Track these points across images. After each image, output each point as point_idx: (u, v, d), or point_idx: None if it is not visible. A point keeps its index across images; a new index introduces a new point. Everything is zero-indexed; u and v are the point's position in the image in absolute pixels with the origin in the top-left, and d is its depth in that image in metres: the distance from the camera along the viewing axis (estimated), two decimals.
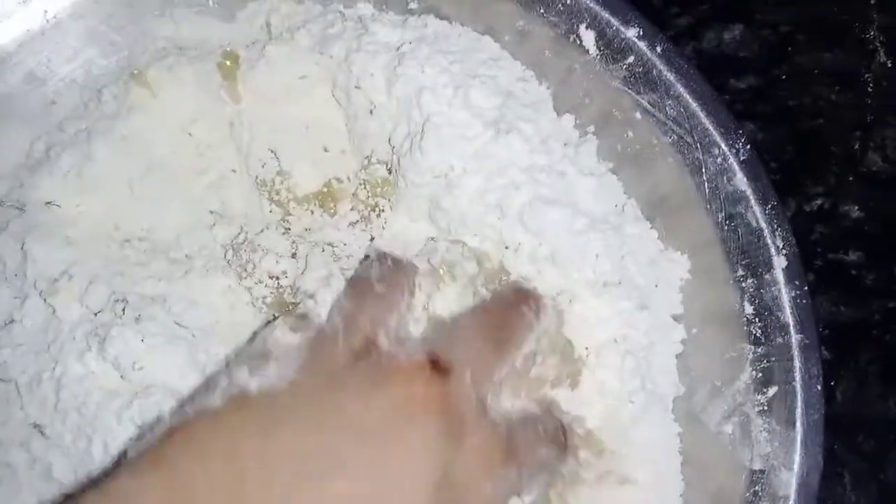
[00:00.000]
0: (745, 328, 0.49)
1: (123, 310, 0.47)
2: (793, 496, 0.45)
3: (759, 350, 0.48)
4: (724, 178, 0.49)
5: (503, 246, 0.49)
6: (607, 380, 0.47)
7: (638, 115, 0.51)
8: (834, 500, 0.58)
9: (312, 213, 0.52)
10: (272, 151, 0.52)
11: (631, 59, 0.50)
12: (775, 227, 0.48)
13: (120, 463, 0.40)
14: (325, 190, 0.52)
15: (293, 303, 0.49)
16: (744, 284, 0.49)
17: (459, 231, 0.49)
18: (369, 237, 0.52)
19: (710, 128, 0.50)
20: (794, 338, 0.47)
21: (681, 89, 0.50)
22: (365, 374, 0.38)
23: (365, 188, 0.52)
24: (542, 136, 0.50)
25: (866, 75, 0.67)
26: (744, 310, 0.49)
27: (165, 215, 0.50)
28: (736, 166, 0.49)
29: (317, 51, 0.51)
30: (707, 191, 0.50)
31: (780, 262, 0.48)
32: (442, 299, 0.47)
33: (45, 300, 0.47)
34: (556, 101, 0.53)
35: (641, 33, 0.50)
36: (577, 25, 0.51)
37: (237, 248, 0.50)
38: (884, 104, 0.67)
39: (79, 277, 0.48)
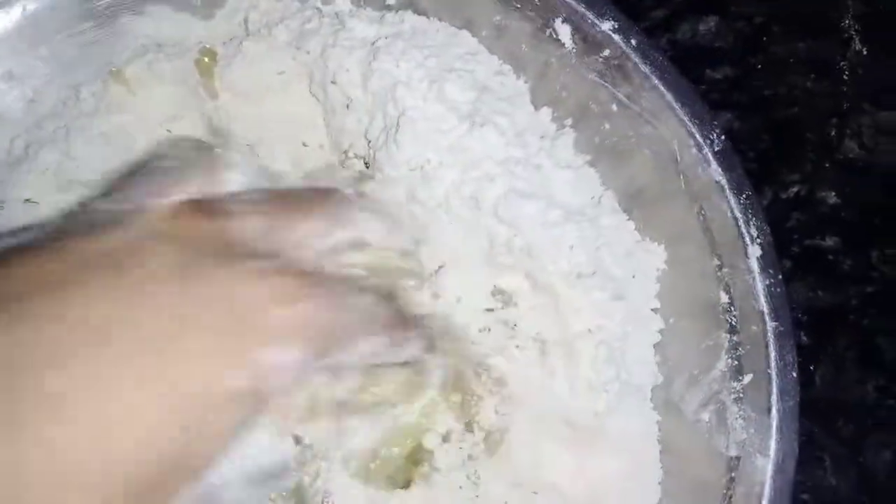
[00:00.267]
0: (721, 317, 0.49)
1: None
2: (768, 482, 0.46)
3: (735, 338, 0.49)
4: (699, 168, 0.50)
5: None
6: (581, 370, 0.48)
7: (614, 108, 0.52)
8: (814, 484, 0.59)
9: None
10: (250, 147, 0.52)
11: (607, 52, 0.51)
12: (750, 216, 0.49)
13: None
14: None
15: None
16: (719, 274, 0.49)
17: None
18: None
19: (685, 119, 0.50)
20: (769, 325, 0.48)
21: (656, 81, 0.50)
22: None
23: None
24: (518, 129, 0.50)
25: (842, 63, 0.68)
26: (720, 299, 0.49)
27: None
28: (711, 157, 0.49)
29: (294, 46, 0.51)
30: (683, 182, 0.50)
31: (754, 252, 0.48)
32: None
33: None
34: (534, 94, 0.54)
35: (616, 26, 0.50)
36: (553, 19, 0.51)
37: None
38: (860, 92, 0.67)
39: None
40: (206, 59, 0.52)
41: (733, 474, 0.47)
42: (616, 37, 0.50)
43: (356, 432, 0.43)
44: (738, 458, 0.47)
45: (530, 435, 0.50)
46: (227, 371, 0.30)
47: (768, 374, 0.47)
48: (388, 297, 0.38)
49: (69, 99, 0.52)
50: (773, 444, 0.46)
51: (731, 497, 0.47)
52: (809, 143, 0.66)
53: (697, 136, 0.50)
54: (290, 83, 0.52)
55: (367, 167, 0.52)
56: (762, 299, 0.48)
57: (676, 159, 0.50)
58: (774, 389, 0.47)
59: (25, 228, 0.36)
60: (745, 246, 0.48)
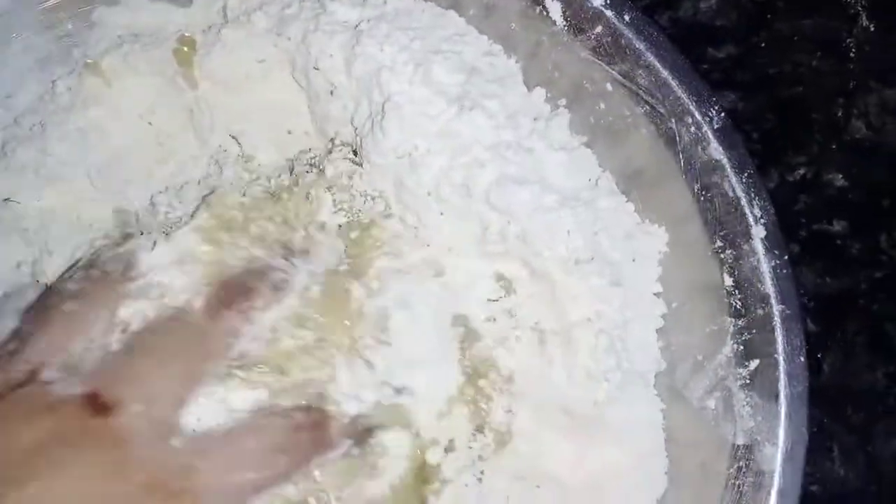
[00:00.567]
0: (726, 300, 0.48)
1: None
2: (777, 471, 0.44)
3: (740, 322, 0.47)
4: (699, 147, 0.48)
5: None
6: (581, 359, 0.46)
7: (609, 87, 0.50)
8: (822, 475, 0.57)
9: None
10: (233, 137, 0.51)
11: (599, 28, 0.49)
12: (753, 196, 0.47)
13: None
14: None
15: None
16: (723, 256, 0.48)
17: None
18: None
19: (683, 96, 0.48)
20: (776, 308, 0.46)
21: (651, 58, 0.49)
22: (14, 407, 0.35)
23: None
24: (510, 111, 0.48)
25: (848, 40, 0.66)
26: (724, 282, 0.47)
27: (127, 204, 0.49)
28: (710, 135, 0.48)
29: (274, 32, 0.49)
30: (682, 161, 0.49)
31: (758, 232, 0.47)
32: None
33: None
34: (526, 74, 0.52)
35: (608, 2, 0.49)
36: None
37: None
38: (867, 69, 0.65)
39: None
40: (185, 49, 0.50)
41: (741, 463, 0.46)
42: (608, 12, 0.49)
43: None
44: (746, 446, 0.46)
45: (531, 426, 0.48)
46: None
47: (775, 359, 0.46)
48: (300, 425, 0.41)
49: (45, 94, 0.51)
50: (781, 432, 0.45)
51: (739, 486, 0.45)
52: (816, 124, 0.64)
53: (696, 113, 0.48)
54: (272, 70, 0.50)
55: (356, 154, 0.50)
56: (768, 281, 0.46)
57: (675, 138, 0.49)
58: (782, 375, 0.45)
59: None
60: (748, 226, 0.47)
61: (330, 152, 0.50)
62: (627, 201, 0.51)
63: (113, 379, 0.37)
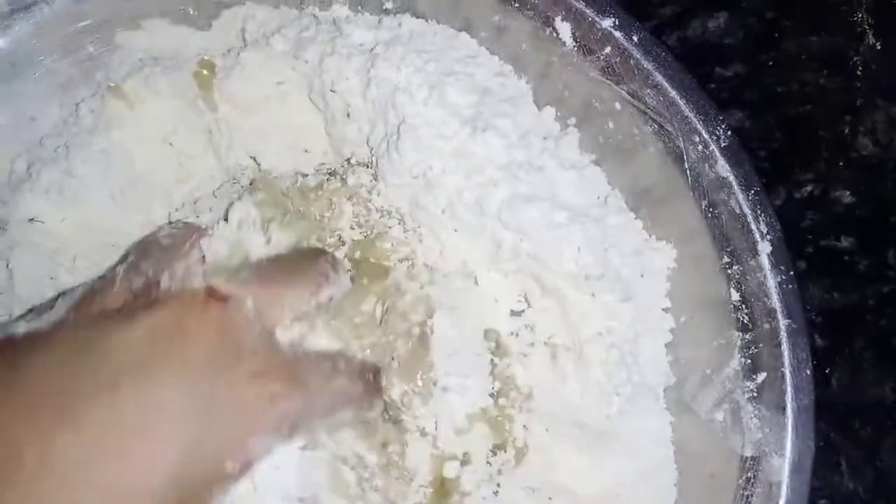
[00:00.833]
0: (733, 315, 0.49)
1: None
2: (785, 482, 0.45)
3: (747, 336, 0.48)
4: (707, 165, 0.49)
5: None
6: (592, 373, 0.47)
7: (618, 106, 0.51)
8: (831, 489, 0.58)
9: None
10: (252, 157, 0.52)
11: (608, 49, 0.50)
12: (759, 212, 0.48)
13: None
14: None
15: None
16: (730, 271, 0.49)
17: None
18: None
19: (690, 115, 0.49)
20: (782, 323, 0.47)
21: (659, 78, 0.50)
22: (136, 307, 0.37)
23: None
24: (521, 131, 0.50)
25: (855, 58, 0.67)
26: (731, 297, 0.48)
27: (149, 225, 0.50)
28: (717, 153, 0.49)
29: (292, 56, 0.51)
30: (690, 179, 0.50)
31: (764, 248, 0.47)
32: None
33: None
34: (536, 94, 0.53)
35: (617, 23, 0.50)
36: (553, 18, 0.50)
37: None
38: (873, 87, 0.66)
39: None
40: (205, 72, 0.52)
41: (749, 474, 0.46)
42: (617, 33, 0.50)
43: None
44: (753, 457, 0.47)
45: (545, 440, 0.49)
46: (224, 458, 0.36)
47: (782, 372, 0.46)
48: (364, 370, 0.44)
49: (69, 117, 0.52)
50: (788, 444, 0.46)
51: (747, 497, 0.46)
52: (823, 141, 0.65)
53: (703, 132, 0.49)
54: (290, 93, 0.52)
55: (373, 175, 0.51)
56: (774, 296, 0.47)
57: (683, 156, 0.50)
58: (789, 387, 0.46)
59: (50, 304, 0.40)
60: (754, 242, 0.48)
61: (346, 171, 0.51)
62: (636, 218, 0.52)
63: (227, 282, 0.40)
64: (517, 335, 0.50)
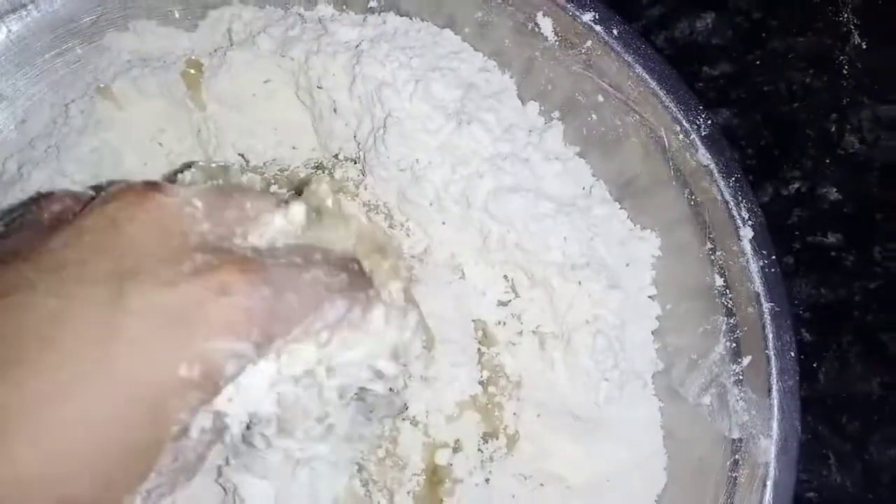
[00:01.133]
0: (718, 300, 0.49)
1: None
2: (773, 462, 0.46)
3: (732, 321, 0.49)
4: (688, 154, 0.50)
5: None
6: (581, 360, 0.48)
7: (601, 98, 0.52)
8: (819, 482, 0.58)
9: None
10: (241, 155, 0.52)
11: (589, 43, 0.51)
12: (740, 199, 0.49)
13: None
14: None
15: None
16: (713, 257, 0.49)
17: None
18: None
19: (671, 105, 0.50)
20: (765, 307, 0.48)
21: (639, 70, 0.51)
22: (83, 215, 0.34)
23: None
24: (506, 124, 0.50)
25: (841, 58, 0.68)
26: (715, 282, 0.49)
27: None
28: (698, 142, 0.50)
29: (278, 54, 0.51)
30: (672, 168, 0.50)
31: (746, 233, 0.48)
32: None
33: None
34: (520, 89, 0.54)
35: (597, 17, 0.51)
36: (535, 13, 0.51)
37: None
38: (859, 85, 0.67)
39: None
40: (193, 71, 0.52)
41: (737, 456, 0.47)
42: (598, 27, 0.51)
43: None
44: (740, 440, 0.47)
45: (536, 428, 0.50)
46: (177, 362, 0.31)
47: (767, 354, 0.47)
48: (345, 259, 0.38)
49: (59, 117, 0.53)
50: (774, 425, 0.46)
51: (735, 479, 0.47)
52: (810, 139, 0.66)
53: (683, 121, 0.50)
54: (277, 91, 0.52)
55: (361, 170, 0.52)
56: (757, 281, 0.48)
57: (665, 146, 0.51)
58: (774, 370, 0.47)
59: None
60: (736, 228, 0.48)
61: (334, 166, 0.52)
62: (620, 208, 0.53)
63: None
64: (504, 324, 0.51)
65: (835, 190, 0.65)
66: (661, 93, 0.50)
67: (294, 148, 0.53)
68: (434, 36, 0.53)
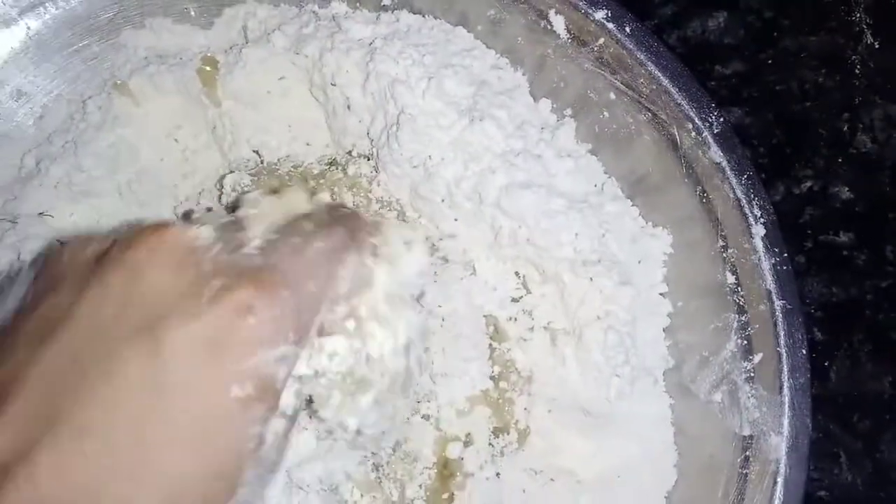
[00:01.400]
0: (729, 298, 0.49)
1: None
2: (783, 459, 0.46)
3: (743, 318, 0.49)
4: (700, 151, 0.50)
5: None
6: (592, 356, 0.48)
7: (613, 96, 0.52)
8: (830, 481, 0.58)
9: None
10: (256, 151, 0.53)
11: (601, 40, 0.51)
12: (752, 196, 0.49)
13: None
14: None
15: None
16: (725, 255, 0.49)
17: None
18: None
19: (683, 103, 0.50)
20: (777, 304, 0.48)
21: (652, 67, 0.51)
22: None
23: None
24: (518, 121, 0.51)
25: (853, 57, 0.67)
26: (726, 280, 0.49)
27: (155, 218, 0.51)
28: (710, 139, 0.50)
29: (293, 51, 0.52)
30: (684, 165, 0.51)
31: (758, 231, 0.48)
32: None
33: None
34: (533, 86, 0.54)
35: (610, 14, 0.51)
36: (547, 11, 0.52)
37: None
38: (871, 85, 0.67)
39: None
40: (208, 68, 0.53)
41: (748, 453, 0.47)
42: (610, 25, 0.51)
43: None
44: (751, 437, 0.47)
45: (547, 423, 0.50)
46: (227, 387, 0.32)
47: (778, 352, 0.47)
48: (332, 212, 0.39)
49: (76, 113, 0.54)
50: (785, 422, 0.46)
51: (746, 475, 0.47)
52: (822, 138, 0.66)
53: (696, 119, 0.50)
54: (291, 88, 0.53)
55: (374, 167, 0.52)
56: (769, 278, 0.48)
57: (677, 143, 0.51)
58: (785, 367, 0.47)
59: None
60: (748, 226, 0.49)
61: (347, 162, 0.52)
62: (632, 205, 0.53)
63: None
64: (516, 320, 0.51)
65: (847, 189, 0.65)
66: (674, 90, 0.50)
67: (308, 144, 0.54)
68: (447, 33, 0.53)
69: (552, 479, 0.49)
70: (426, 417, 0.47)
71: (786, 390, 0.47)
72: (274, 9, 0.55)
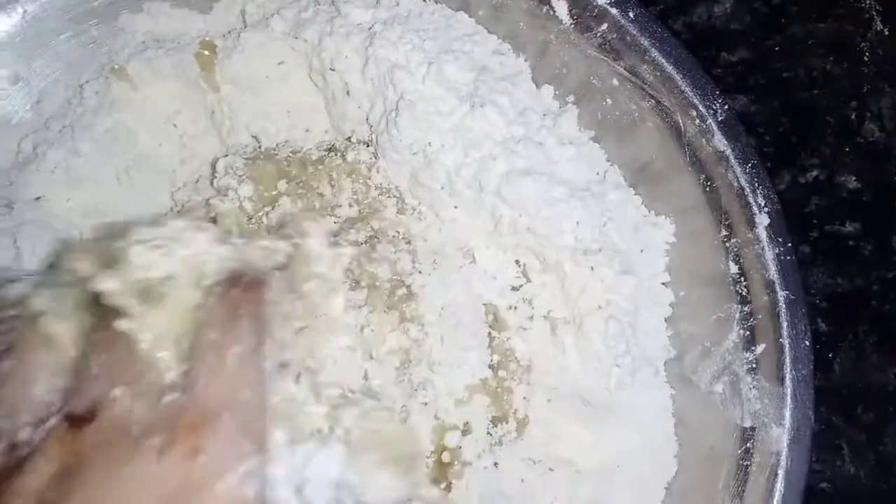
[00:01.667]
0: (732, 288, 0.49)
1: None
2: (784, 451, 0.45)
3: (746, 308, 0.48)
4: (704, 139, 0.49)
5: None
6: (592, 345, 0.48)
7: (616, 82, 0.51)
8: (833, 473, 0.58)
9: None
10: (254, 137, 0.52)
11: (604, 26, 0.51)
12: (756, 185, 0.48)
13: None
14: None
15: None
16: (728, 244, 0.49)
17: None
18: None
19: (687, 90, 0.50)
20: (780, 294, 0.47)
21: (656, 53, 0.50)
22: None
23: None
24: (520, 108, 0.50)
25: (862, 44, 0.66)
26: (729, 270, 0.49)
27: (153, 204, 0.51)
28: (714, 127, 0.49)
29: (291, 36, 0.51)
30: (688, 153, 0.50)
31: (762, 220, 0.48)
32: None
33: None
34: (535, 72, 0.54)
35: (613, 0, 0.50)
36: None
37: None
38: (880, 72, 0.66)
39: None
40: (206, 53, 0.52)
41: (749, 445, 0.47)
42: (613, 10, 0.50)
43: None
44: (753, 428, 0.47)
45: (546, 412, 0.50)
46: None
47: (781, 343, 0.47)
48: (213, 305, 0.38)
49: (74, 98, 0.53)
50: (787, 414, 0.46)
51: (747, 467, 0.47)
52: (829, 126, 0.65)
53: (700, 106, 0.49)
54: (290, 72, 0.52)
55: (373, 153, 0.52)
56: (772, 268, 0.48)
57: (680, 131, 0.50)
58: (787, 358, 0.47)
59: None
60: (752, 215, 0.48)
61: (346, 148, 0.52)
62: (635, 194, 0.53)
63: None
64: (515, 309, 0.50)
65: (854, 178, 0.64)
66: (678, 77, 0.50)
67: (307, 130, 0.53)
68: (448, 18, 0.53)
69: (551, 469, 0.49)
70: (424, 405, 0.47)
71: (788, 382, 0.46)
72: None
